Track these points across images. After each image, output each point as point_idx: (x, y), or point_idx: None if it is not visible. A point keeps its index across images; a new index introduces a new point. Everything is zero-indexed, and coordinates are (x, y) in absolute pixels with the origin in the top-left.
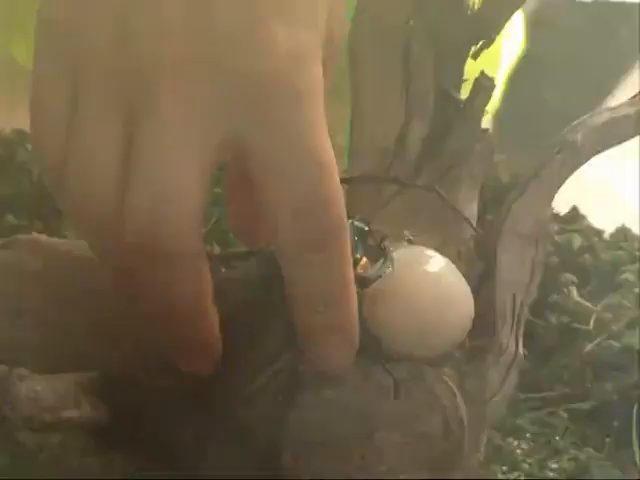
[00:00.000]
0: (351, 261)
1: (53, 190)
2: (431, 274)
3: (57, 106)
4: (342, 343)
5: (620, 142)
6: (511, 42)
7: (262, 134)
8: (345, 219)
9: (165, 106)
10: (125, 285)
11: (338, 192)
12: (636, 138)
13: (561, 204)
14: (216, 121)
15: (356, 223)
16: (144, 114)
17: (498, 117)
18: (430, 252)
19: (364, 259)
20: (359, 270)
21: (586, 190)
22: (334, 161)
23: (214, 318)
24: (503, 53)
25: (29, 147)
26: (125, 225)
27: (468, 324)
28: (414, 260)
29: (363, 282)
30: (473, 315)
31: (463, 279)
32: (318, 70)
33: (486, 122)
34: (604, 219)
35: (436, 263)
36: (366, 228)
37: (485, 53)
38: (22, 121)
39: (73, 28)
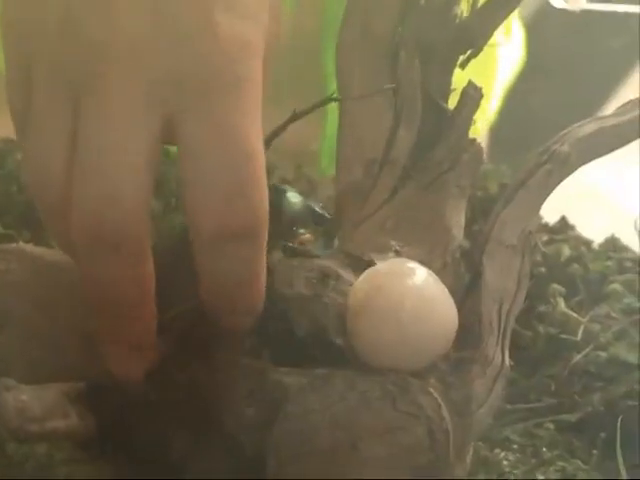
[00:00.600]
0: (265, 252)
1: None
2: (414, 287)
3: (19, 102)
4: (246, 319)
5: (607, 152)
6: (509, 52)
7: (193, 115)
8: (266, 214)
9: (107, 90)
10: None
11: (262, 185)
12: (633, 144)
13: (553, 213)
14: (157, 103)
15: (313, 206)
16: (88, 99)
17: (493, 129)
18: (413, 264)
19: (307, 235)
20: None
21: (581, 198)
22: (262, 154)
23: (152, 316)
24: (500, 64)
25: (18, 156)
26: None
27: (451, 336)
28: (397, 273)
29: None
30: (457, 327)
31: (446, 291)
32: (259, 63)
33: (482, 134)
34: (600, 227)
35: (419, 275)
36: (317, 209)
37: (482, 63)
38: (10, 129)
39: (26, 25)
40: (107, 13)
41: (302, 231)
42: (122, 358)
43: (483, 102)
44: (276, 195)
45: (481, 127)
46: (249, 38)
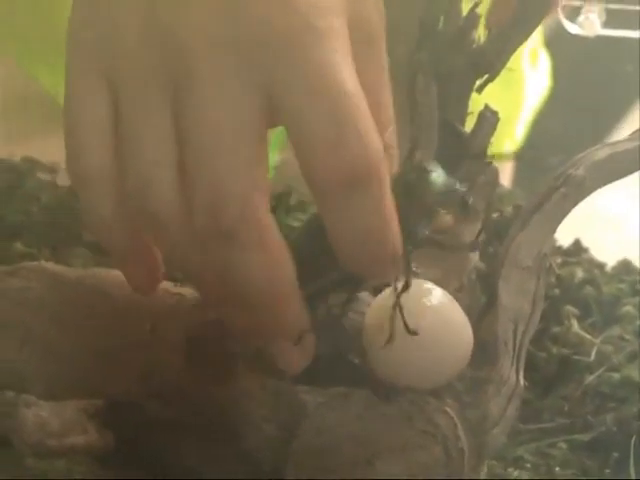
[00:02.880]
0: (390, 196)
1: (90, 207)
2: (430, 308)
3: (98, 113)
4: (385, 270)
5: (622, 177)
6: (536, 80)
7: (289, 77)
8: (380, 154)
9: (204, 79)
10: (202, 282)
11: (368, 122)
12: None
13: (566, 236)
14: (252, 81)
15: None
16: (185, 98)
17: (518, 156)
18: (429, 285)
19: (448, 217)
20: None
21: (594, 221)
22: (362, 95)
23: (298, 306)
24: (528, 91)
25: (38, 175)
26: (191, 214)
27: (467, 356)
28: (413, 294)
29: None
30: (472, 347)
31: (462, 312)
32: (338, 20)
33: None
34: (613, 250)
35: (435, 296)
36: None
37: (510, 90)
38: (31, 149)
39: (102, 39)
40: (184, 8)
41: (444, 212)
42: (285, 353)
43: (510, 128)
44: (418, 174)
45: (508, 153)
46: (324, 1)
